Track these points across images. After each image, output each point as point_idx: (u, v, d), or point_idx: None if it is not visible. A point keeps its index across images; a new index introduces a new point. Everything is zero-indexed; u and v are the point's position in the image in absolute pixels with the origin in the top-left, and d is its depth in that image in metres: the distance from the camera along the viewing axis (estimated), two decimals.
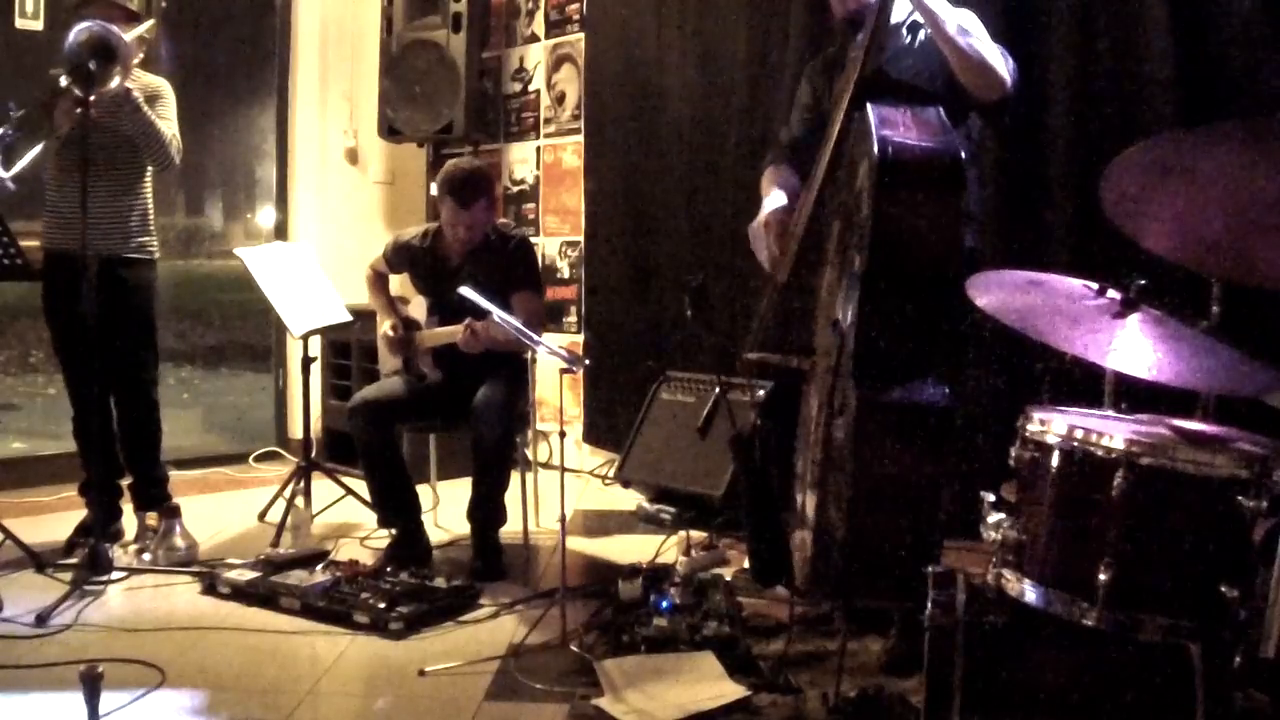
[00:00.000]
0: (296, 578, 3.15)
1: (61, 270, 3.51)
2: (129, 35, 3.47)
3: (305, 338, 3.95)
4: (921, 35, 2.65)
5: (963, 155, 2.37)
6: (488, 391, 3.46)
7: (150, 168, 3.70)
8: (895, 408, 2.35)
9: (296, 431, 4.63)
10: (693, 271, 4.45)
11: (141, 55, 3.69)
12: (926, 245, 2.37)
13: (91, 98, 3.27)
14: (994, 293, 2.06)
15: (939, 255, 2.37)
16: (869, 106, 2.40)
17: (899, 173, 2.32)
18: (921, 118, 2.40)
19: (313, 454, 4.14)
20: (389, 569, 3.25)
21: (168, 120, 3.64)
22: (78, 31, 3.27)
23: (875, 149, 2.32)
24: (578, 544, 3.82)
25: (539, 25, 5.32)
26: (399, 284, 4.06)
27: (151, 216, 3.77)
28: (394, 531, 3.59)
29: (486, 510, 3.51)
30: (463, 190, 3.49)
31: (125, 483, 3.80)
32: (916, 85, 2.52)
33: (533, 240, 5.16)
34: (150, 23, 3.70)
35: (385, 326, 3.72)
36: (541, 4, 5.29)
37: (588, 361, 3.64)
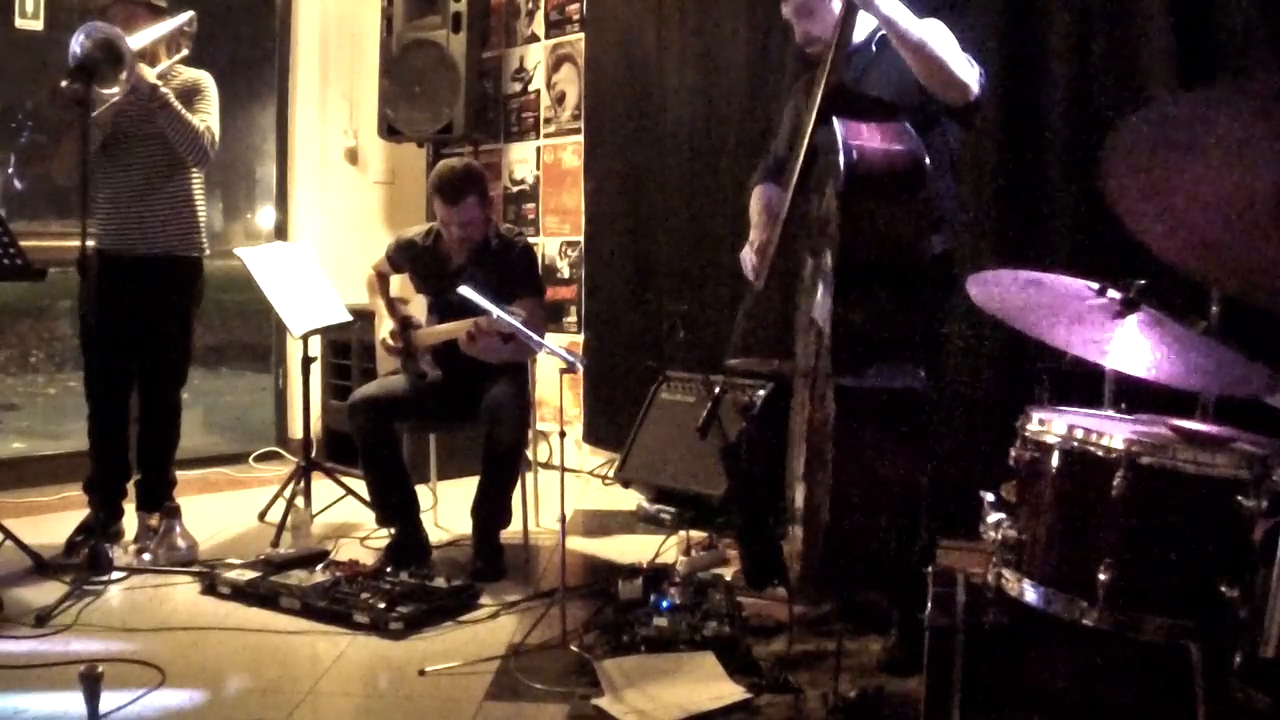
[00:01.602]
0: (296, 578, 3.16)
1: (109, 270, 3.51)
2: (149, 32, 3.48)
3: (305, 338, 3.95)
4: (889, 49, 2.67)
5: (926, 160, 2.41)
6: (503, 391, 3.45)
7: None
8: (871, 392, 2.37)
9: (296, 431, 4.63)
10: (701, 275, 4.47)
11: (185, 51, 3.68)
12: (893, 242, 2.42)
13: (100, 105, 3.27)
14: (994, 292, 2.06)
15: (905, 251, 2.42)
16: (835, 120, 2.45)
17: (863, 177, 2.38)
18: (886, 127, 2.46)
19: (313, 454, 4.14)
20: (389, 569, 3.26)
21: (205, 114, 3.64)
22: (82, 35, 3.26)
23: (841, 156, 2.37)
24: (578, 544, 3.82)
25: (539, 25, 5.32)
26: (399, 284, 4.06)
27: (200, 213, 3.76)
28: (393, 531, 3.59)
29: (492, 510, 3.51)
30: (450, 188, 3.47)
31: (130, 482, 3.80)
32: (885, 97, 2.56)
33: (533, 240, 5.17)
34: (188, 15, 3.68)
35: (384, 333, 3.71)
36: (541, 4, 5.29)
37: (588, 361, 3.64)
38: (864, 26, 2.68)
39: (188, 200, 3.71)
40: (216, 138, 3.66)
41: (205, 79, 3.71)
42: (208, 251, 3.81)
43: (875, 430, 2.35)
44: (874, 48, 2.70)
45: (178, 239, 3.68)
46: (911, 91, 2.56)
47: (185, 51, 3.69)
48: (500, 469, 3.49)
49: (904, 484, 2.35)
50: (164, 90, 3.50)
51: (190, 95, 3.62)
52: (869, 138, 2.41)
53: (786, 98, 3.14)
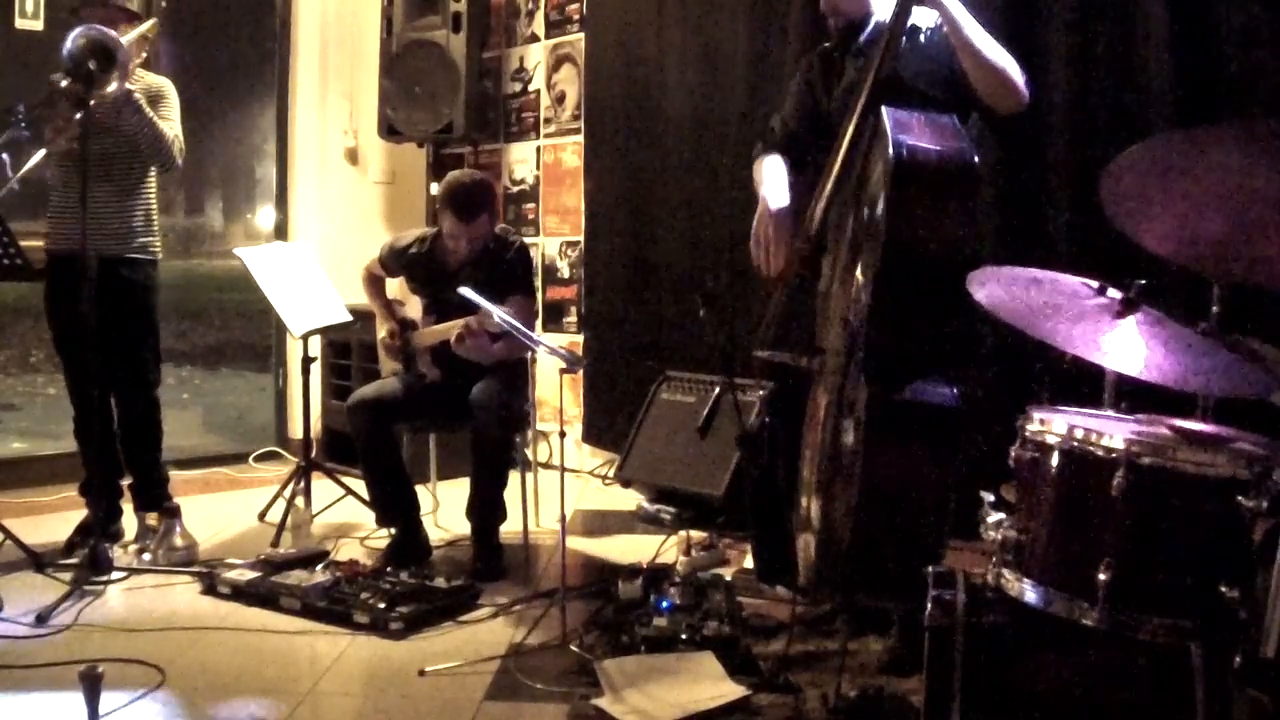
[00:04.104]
0: (296, 578, 3.15)
1: (63, 271, 3.51)
2: (129, 36, 3.48)
3: (305, 338, 3.95)
4: (921, 39, 2.65)
5: (977, 161, 2.37)
6: (485, 387, 3.45)
7: (153, 168, 3.70)
8: (906, 407, 2.35)
9: (296, 431, 4.63)
10: (701, 275, 4.46)
11: (144, 55, 3.69)
12: (939, 247, 2.38)
13: (90, 102, 3.27)
14: (994, 290, 2.06)
15: (950, 257, 2.37)
16: (884, 110, 2.40)
17: (914, 176, 2.33)
18: (936, 122, 2.41)
19: (313, 454, 4.14)
20: (389, 569, 3.26)
21: (170, 121, 3.64)
22: (75, 36, 3.27)
23: (891, 152, 2.33)
24: (578, 544, 3.82)
25: (539, 25, 5.32)
26: (397, 285, 4.06)
27: (155, 216, 3.76)
28: (393, 531, 3.59)
29: (486, 508, 3.51)
30: (466, 205, 3.48)
31: (125, 483, 3.80)
32: (923, 89, 2.52)
33: (533, 240, 5.18)
34: (151, 22, 3.70)
35: (383, 332, 3.71)
36: (541, 4, 5.29)
37: (587, 361, 3.64)
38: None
39: (147, 203, 3.71)
40: (183, 143, 3.66)
41: (167, 86, 3.71)
42: (161, 254, 3.80)
43: (906, 445, 2.33)
44: (904, 38, 2.66)
45: (135, 241, 3.67)
46: (943, 88, 2.53)
47: (144, 55, 3.70)
48: (487, 466, 3.49)
49: (931, 498, 2.34)
50: (137, 95, 3.50)
51: (155, 101, 3.61)
52: (919, 133, 2.37)
53: (790, 75, 3.07)
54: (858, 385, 2.41)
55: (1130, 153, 1.95)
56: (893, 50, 2.46)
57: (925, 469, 2.34)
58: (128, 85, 3.45)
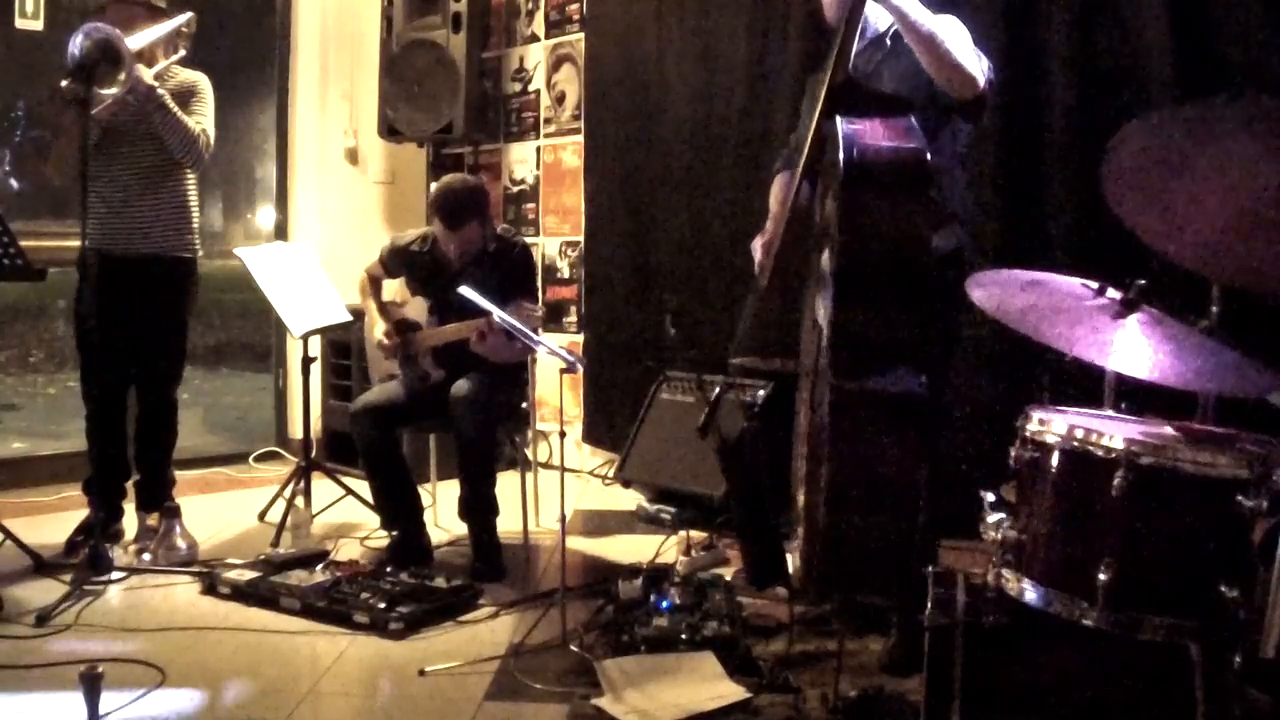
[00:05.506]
0: (296, 578, 3.15)
1: (99, 268, 3.51)
2: (153, 33, 3.48)
3: (305, 338, 3.95)
4: (887, 41, 2.67)
5: (928, 157, 2.39)
6: (465, 385, 3.44)
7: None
8: (869, 396, 2.36)
9: (296, 431, 4.63)
10: (701, 275, 4.47)
11: (182, 51, 3.68)
12: (894, 242, 2.40)
13: (91, 104, 3.27)
14: (994, 292, 2.06)
15: (907, 251, 2.40)
16: (837, 118, 2.44)
17: (864, 174, 2.36)
18: (889, 124, 2.44)
19: (313, 454, 4.14)
20: (389, 569, 3.26)
21: (200, 116, 3.64)
22: (80, 37, 3.27)
23: (841, 153, 2.36)
24: (578, 544, 3.82)
25: (539, 25, 5.32)
26: (396, 286, 4.06)
27: (194, 213, 3.76)
28: (395, 533, 3.59)
29: (478, 506, 3.50)
30: (453, 213, 3.49)
31: (130, 482, 3.80)
32: (901, 90, 2.55)
33: (533, 240, 5.18)
34: (188, 16, 3.68)
35: (379, 332, 3.71)
36: (541, 4, 5.29)
37: (587, 361, 3.64)
38: (884, 18, 2.66)
39: (181, 201, 3.71)
40: (212, 140, 3.67)
41: (202, 81, 3.71)
42: (200, 252, 3.81)
43: (870, 433, 2.34)
44: (889, 40, 2.68)
45: (170, 239, 3.67)
46: (925, 85, 2.55)
47: (182, 52, 3.69)
48: (472, 464, 3.48)
49: (899, 487, 2.34)
50: (161, 91, 3.50)
51: (186, 97, 3.62)
52: (872, 134, 2.40)
53: (799, 78, 3.10)
54: (825, 380, 2.43)
55: (1132, 127, 1.94)
56: (844, 56, 2.49)
57: (890, 456, 2.35)
58: (152, 82, 3.46)
